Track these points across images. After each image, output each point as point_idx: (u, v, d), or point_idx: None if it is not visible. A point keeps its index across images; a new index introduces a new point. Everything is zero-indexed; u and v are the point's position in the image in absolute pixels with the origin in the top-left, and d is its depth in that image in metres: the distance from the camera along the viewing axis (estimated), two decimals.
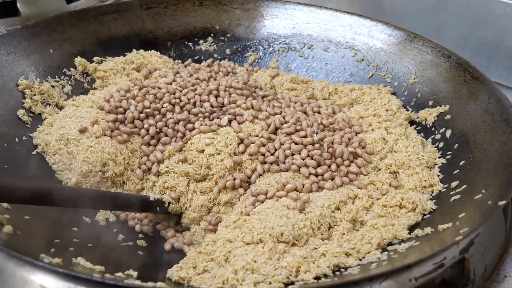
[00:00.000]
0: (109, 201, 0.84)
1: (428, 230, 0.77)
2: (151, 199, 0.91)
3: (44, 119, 1.01)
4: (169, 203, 0.92)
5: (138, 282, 0.64)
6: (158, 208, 0.91)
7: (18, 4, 1.33)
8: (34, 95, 1.02)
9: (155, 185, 0.95)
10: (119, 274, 0.71)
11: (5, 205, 0.76)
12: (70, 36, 1.15)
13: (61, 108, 1.05)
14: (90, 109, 1.02)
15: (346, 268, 0.73)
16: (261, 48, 1.28)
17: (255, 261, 0.72)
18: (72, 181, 0.91)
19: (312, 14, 1.25)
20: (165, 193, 0.94)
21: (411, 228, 0.80)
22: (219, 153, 0.94)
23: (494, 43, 1.15)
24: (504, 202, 0.73)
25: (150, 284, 0.64)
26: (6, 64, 1.02)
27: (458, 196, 0.83)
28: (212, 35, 1.29)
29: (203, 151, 0.94)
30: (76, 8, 1.38)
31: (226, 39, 1.28)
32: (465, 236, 0.69)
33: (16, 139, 0.94)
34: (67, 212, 0.85)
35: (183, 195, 0.93)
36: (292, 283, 0.69)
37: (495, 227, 0.79)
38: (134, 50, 1.21)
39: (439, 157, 0.95)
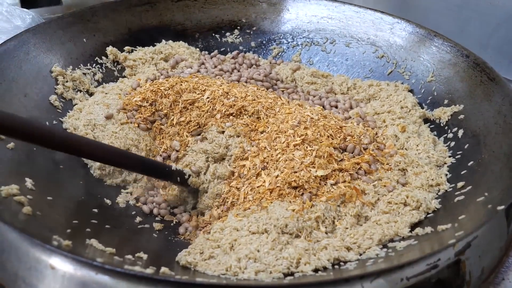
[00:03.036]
0: (134, 162, 0.85)
1: (428, 229, 0.77)
2: (173, 168, 0.92)
3: (75, 105, 1.05)
4: (189, 175, 0.93)
5: (138, 268, 0.65)
6: (178, 178, 0.92)
7: None
8: (67, 81, 1.06)
9: None
10: (129, 256, 0.72)
11: (29, 185, 0.78)
12: (103, 26, 1.19)
13: (91, 95, 1.09)
14: (117, 97, 1.06)
15: (345, 262, 0.73)
16: (285, 41, 1.28)
17: (258, 251, 0.74)
18: (96, 165, 0.95)
19: (336, 9, 1.25)
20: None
21: (414, 226, 0.80)
22: (238, 136, 0.96)
23: None
24: (502, 207, 0.72)
25: (149, 270, 0.65)
26: (41, 52, 1.05)
27: (462, 197, 0.82)
28: (238, 28, 1.30)
29: (223, 132, 0.97)
30: None
31: (251, 32, 1.30)
32: (458, 240, 0.68)
33: (47, 122, 0.97)
34: (90, 194, 0.88)
35: (202, 170, 0.94)
36: (292, 274, 0.70)
37: (495, 230, 0.77)
38: (163, 40, 1.24)
39: (449, 156, 0.94)
